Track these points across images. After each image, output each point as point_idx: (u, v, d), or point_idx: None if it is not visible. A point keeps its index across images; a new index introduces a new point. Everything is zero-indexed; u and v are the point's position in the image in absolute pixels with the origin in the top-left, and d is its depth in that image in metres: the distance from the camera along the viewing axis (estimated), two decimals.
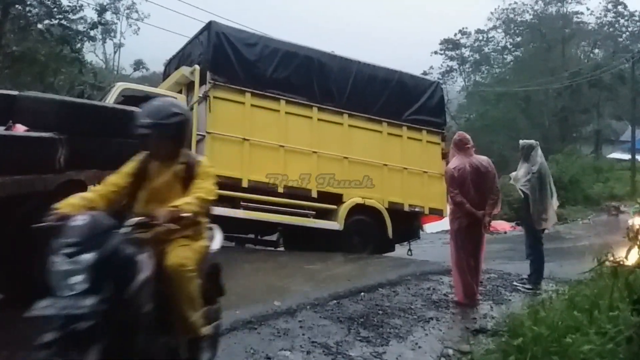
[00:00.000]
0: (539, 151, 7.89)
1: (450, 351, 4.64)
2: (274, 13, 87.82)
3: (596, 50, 52.61)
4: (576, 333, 3.63)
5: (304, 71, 11.18)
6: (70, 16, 22.82)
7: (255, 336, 4.43)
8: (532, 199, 7.65)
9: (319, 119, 11.09)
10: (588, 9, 50.40)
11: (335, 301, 5.79)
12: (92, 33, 25.13)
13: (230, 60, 10.42)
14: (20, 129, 4.35)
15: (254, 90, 10.46)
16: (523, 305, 5.93)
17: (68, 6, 22.57)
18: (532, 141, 8.13)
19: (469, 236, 6.55)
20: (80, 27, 23.47)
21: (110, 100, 9.46)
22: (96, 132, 4.67)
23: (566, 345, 3.49)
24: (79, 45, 23.63)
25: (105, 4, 34.86)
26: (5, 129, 4.33)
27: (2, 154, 3.90)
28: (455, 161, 6.64)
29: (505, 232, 22.11)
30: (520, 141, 8.24)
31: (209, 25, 10.67)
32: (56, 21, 22.14)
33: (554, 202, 7.91)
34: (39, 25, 21.77)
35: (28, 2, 21.28)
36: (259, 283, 6.95)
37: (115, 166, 5.09)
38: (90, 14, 31.85)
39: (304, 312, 5.23)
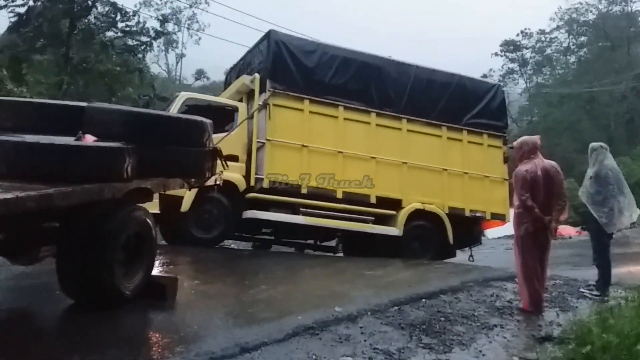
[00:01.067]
0: (602, 153, 7.65)
1: (516, 359, 4.55)
2: (331, 20, 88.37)
3: None
4: None
5: (362, 77, 11.20)
6: (133, 28, 23.49)
7: (317, 342, 4.45)
8: (589, 203, 7.46)
9: (377, 125, 11.09)
10: None
11: (396, 307, 5.75)
12: (154, 44, 25.77)
13: (289, 68, 10.55)
14: (89, 140, 4.50)
15: (313, 97, 10.57)
16: (590, 313, 5.77)
17: (129, 17, 23.31)
18: (596, 144, 7.91)
19: (535, 242, 6.40)
20: (143, 39, 24.09)
21: (174, 109, 9.73)
22: (161, 142, 4.79)
23: (637, 353, 3.39)
24: (141, 55, 24.26)
25: (167, 14, 35.83)
26: (75, 140, 4.49)
27: (72, 164, 4.04)
28: (527, 164, 6.51)
29: (571, 237, 21.54)
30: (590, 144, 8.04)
31: (268, 35, 10.84)
32: (120, 33, 22.85)
33: (627, 206, 7.60)
34: (102, 37, 22.49)
35: (93, 15, 22.03)
36: (319, 288, 6.97)
37: (179, 174, 5.27)
38: (153, 24, 32.82)
39: (364, 318, 5.22)
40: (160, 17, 31.07)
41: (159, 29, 26.40)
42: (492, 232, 14.04)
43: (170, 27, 44.64)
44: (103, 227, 4.44)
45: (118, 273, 4.52)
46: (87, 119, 4.89)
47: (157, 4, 40.05)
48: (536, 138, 6.83)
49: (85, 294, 4.55)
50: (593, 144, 7.91)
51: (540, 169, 6.40)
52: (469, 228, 11.84)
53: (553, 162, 6.66)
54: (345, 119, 10.84)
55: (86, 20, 21.86)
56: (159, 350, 4.01)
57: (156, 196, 6.73)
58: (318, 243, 11.58)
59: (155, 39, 25.67)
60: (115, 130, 4.64)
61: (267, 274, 8.05)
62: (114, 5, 22.24)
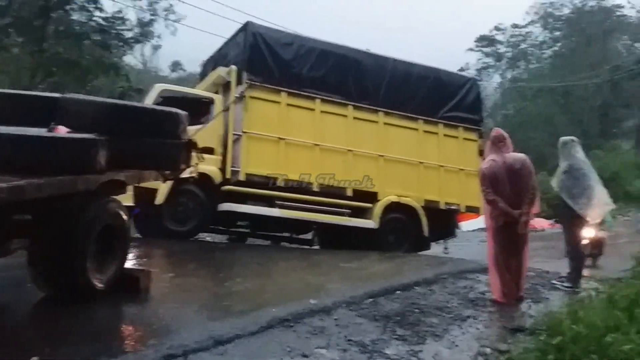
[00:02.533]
0: (574, 147, 7.74)
1: (488, 350, 4.59)
2: (308, 11, 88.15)
3: (637, 44, 51.40)
4: (616, 332, 3.58)
5: (340, 70, 11.21)
6: (111, 21, 23.15)
7: (292, 334, 4.46)
8: (566, 196, 7.56)
9: (354, 118, 11.10)
10: (629, 2, 49.36)
11: (371, 299, 5.78)
12: (131, 40, 25.23)
13: (266, 60, 10.51)
14: (62, 131, 4.44)
15: (290, 90, 10.55)
16: (562, 304, 5.85)
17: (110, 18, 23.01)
18: (567, 138, 7.99)
19: (507, 235, 6.45)
20: (121, 31, 23.74)
21: (149, 101, 9.64)
22: (136, 133, 4.75)
23: (606, 344, 3.45)
24: (116, 50, 23.88)
25: (144, 7, 35.35)
26: (48, 131, 4.43)
27: (45, 156, 3.99)
28: (489, 159, 6.54)
29: (544, 230, 21.80)
30: (560, 139, 8.11)
31: (246, 26, 10.79)
32: (95, 25, 22.48)
33: (599, 200, 7.70)
34: (78, 28, 22.12)
35: (68, 7, 21.64)
36: (294, 281, 6.98)
37: (154, 166, 5.23)
38: (130, 16, 32.41)
39: (339, 311, 5.23)
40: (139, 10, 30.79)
41: (137, 35, 26.16)
42: (467, 225, 14.17)
43: (146, 17, 44.09)
44: (76, 219, 4.40)
45: (91, 266, 4.48)
46: (61, 110, 4.83)
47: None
48: (495, 131, 6.85)
49: (58, 287, 4.50)
50: (564, 138, 7.98)
51: (503, 163, 6.40)
52: (444, 221, 11.93)
53: (522, 155, 6.65)
54: (322, 111, 10.85)
55: (62, 12, 21.48)
56: (132, 343, 3.99)
57: (130, 188, 6.68)
58: (294, 236, 11.60)
59: (132, 45, 25.23)
60: (88, 122, 4.59)
61: (243, 266, 8.05)
62: None
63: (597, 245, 12.22)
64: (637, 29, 50.31)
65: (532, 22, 53.66)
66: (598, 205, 7.60)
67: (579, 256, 7.79)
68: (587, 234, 11.53)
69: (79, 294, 4.50)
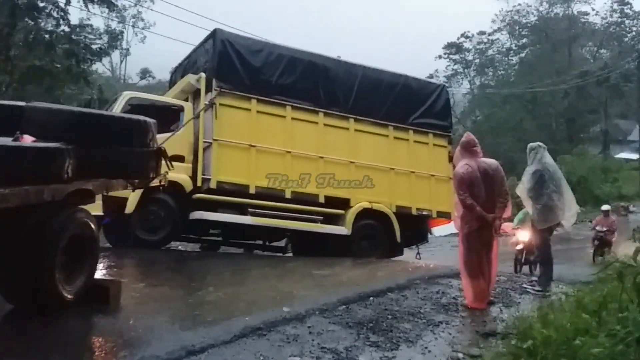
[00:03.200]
0: (542, 152, 7.85)
1: (460, 355, 4.62)
2: (277, 17, 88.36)
3: (602, 51, 52.58)
4: (585, 335, 3.61)
5: (309, 76, 11.21)
6: (78, 31, 22.90)
7: (265, 342, 4.43)
8: (524, 198, 7.68)
9: (325, 124, 11.10)
10: (593, 9, 50.39)
11: (344, 306, 5.78)
12: (99, 51, 24.89)
13: (236, 67, 10.46)
14: (27, 140, 4.37)
15: (260, 97, 10.51)
16: (533, 308, 5.91)
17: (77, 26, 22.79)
18: (535, 143, 8.11)
19: (479, 239, 6.51)
20: (90, 40, 23.54)
21: (117, 109, 9.52)
22: (103, 142, 4.69)
23: (576, 347, 3.47)
24: (83, 57, 23.61)
25: (113, 16, 35.15)
26: (13, 140, 4.35)
27: (10, 165, 3.91)
28: (464, 163, 6.58)
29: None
30: (528, 145, 8.22)
31: (214, 33, 10.73)
32: (63, 33, 22.17)
33: (563, 204, 7.82)
34: (47, 36, 21.81)
35: (36, 15, 21.34)
36: (267, 289, 6.94)
37: (122, 175, 5.16)
38: (98, 23, 32.15)
39: (313, 318, 5.22)
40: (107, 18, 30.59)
41: (105, 44, 25.93)
42: (439, 230, 14.23)
43: (114, 25, 43.77)
44: (43, 229, 4.32)
45: (59, 277, 4.41)
46: (26, 118, 4.74)
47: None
48: (466, 136, 6.91)
49: (25, 298, 4.42)
50: (532, 144, 8.10)
51: (478, 168, 6.48)
52: (416, 226, 11.99)
53: (493, 161, 6.78)
54: (293, 118, 10.82)
55: (29, 22, 21.15)
56: (103, 355, 3.93)
57: (99, 197, 6.58)
58: (267, 243, 11.55)
59: (101, 56, 24.95)
60: (55, 130, 4.51)
61: (215, 275, 7.99)
62: (55, 3, 21.61)
63: (531, 251, 11.06)
64: (602, 36, 51.38)
65: (498, 30, 54.41)
66: (553, 212, 7.69)
67: (549, 260, 7.88)
68: (522, 237, 11.64)
69: (47, 306, 4.42)
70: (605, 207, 17.46)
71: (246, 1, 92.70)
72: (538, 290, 7.61)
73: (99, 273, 5.61)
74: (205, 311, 5.30)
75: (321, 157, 10.91)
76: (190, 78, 10.64)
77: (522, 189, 7.82)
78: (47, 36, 21.31)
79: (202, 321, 4.85)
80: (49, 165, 4.12)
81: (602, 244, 15.31)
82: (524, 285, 7.99)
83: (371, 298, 6.29)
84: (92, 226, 4.91)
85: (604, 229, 15.66)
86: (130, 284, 6.10)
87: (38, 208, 4.16)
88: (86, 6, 22.34)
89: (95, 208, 6.82)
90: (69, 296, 4.54)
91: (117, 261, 7.89)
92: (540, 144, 8.07)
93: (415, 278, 7.85)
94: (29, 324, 4.29)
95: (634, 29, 51.06)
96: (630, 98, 43.11)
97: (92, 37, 25.13)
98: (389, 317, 5.57)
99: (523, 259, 12.27)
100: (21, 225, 4.26)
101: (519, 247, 12.12)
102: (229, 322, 4.77)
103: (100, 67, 35.98)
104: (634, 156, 37.71)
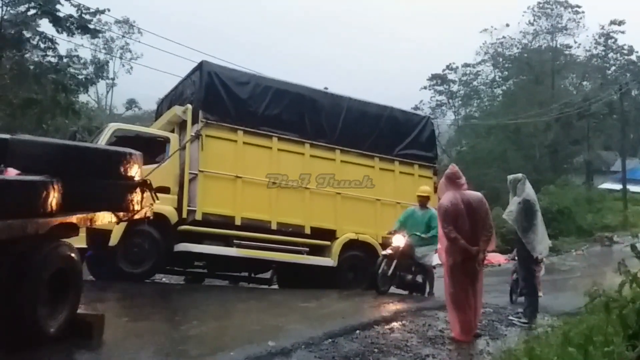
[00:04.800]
0: (526, 183, 7.93)
1: None
2: (266, 53, 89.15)
3: (585, 83, 53.30)
4: None
5: (296, 108, 11.28)
6: (65, 61, 22.92)
7: None
8: (519, 230, 7.71)
9: (311, 155, 11.13)
10: (575, 42, 51.25)
11: (330, 340, 5.73)
12: (85, 81, 24.82)
13: (222, 99, 10.51)
14: (11, 173, 4.35)
15: (246, 128, 10.54)
16: (519, 341, 5.89)
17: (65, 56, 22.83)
18: (519, 174, 8.19)
19: (465, 271, 6.51)
20: (76, 71, 23.53)
21: (102, 141, 9.50)
22: (88, 174, 4.67)
23: None
24: (69, 88, 23.59)
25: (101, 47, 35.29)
26: None
27: None
28: (449, 196, 6.60)
29: (500, 265, 22.03)
30: (508, 176, 8.29)
31: (201, 65, 10.80)
32: (49, 65, 22.17)
33: (544, 235, 7.90)
34: (32, 68, 21.79)
35: (23, 46, 21.35)
36: (252, 323, 6.87)
37: (107, 207, 5.12)
38: (85, 54, 32.22)
39: (298, 352, 5.17)
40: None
41: (91, 74, 25.98)
42: None
43: (101, 56, 43.89)
44: (26, 264, 4.27)
45: (42, 311, 4.35)
46: (11, 151, 4.72)
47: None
48: (451, 168, 6.95)
49: (7, 333, 4.34)
50: (515, 175, 8.19)
51: (462, 201, 6.51)
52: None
53: (477, 194, 6.83)
54: (279, 149, 10.85)
55: (14, 52, 21.15)
56: None
57: (83, 230, 6.53)
58: (252, 275, 11.48)
59: (87, 87, 24.96)
60: (39, 163, 4.50)
61: (200, 309, 7.90)
62: (42, 34, 21.67)
63: (403, 261, 9.76)
64: (585, 68, 52.17)
65: (482, 62, 55.10)
66: (540, 243, 7.76)
67: (534, 291, 7.89)
68: (396, 242, 9.73)
69: (29, 341, 4.34)
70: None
71: (236, 38, 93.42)
72: (524, 323, 7.59)
73: (82, 307, 5.53)
74: (190, 346, 5.23)
75: (307, 188, 10.92)
76: (177, 109, 10.66)
77: (515, 220, 7.82)
78: (31, 67, 21.30)
79: (187, 356, 4.80)
80: (33, 198, 4.09)
81: None
82: (510, 317, 7.97)
83: (357, 331, 6.24)
84: (76, 260, 4.86)
85: None
86: (114, 318, 6.01)
87: (21, 241, 4.12)
88: (65, 33, 22.29)
89: (79, 240, 6.75)
90: (52, 330, 4.47)
91: (101, 294, 7.78)
92: (522, 175, 8.16)
93: (401, 310, 7.84)
94: (10, 359, 4.20)
95: (617, 61, 52.01)
96: (612, 130, 43.73)
97: (78, 66, 25.03)
98: (375, 350, 5.52)
99: (389, 270, 9.55)
100: (3, 259, 4.20)
101: (387, 251, 9.73)
102: (214, 357, 4.72)
103: (86, 98, 35.95)
104: (617, 187, 38.01)
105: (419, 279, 10.30)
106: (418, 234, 9.99)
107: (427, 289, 10.33)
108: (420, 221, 10.15)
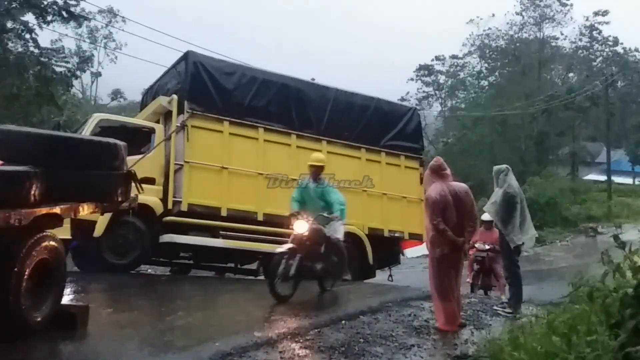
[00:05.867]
0: (510, 174, 7.96)
1: None
2: (251, 44, 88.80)
3: (571, 74, 53.55)
4: (555, 358, 3.64)
5: (282, 99, 11.24)
6: (48, 54, 22.67)
7: None
8: (497, 220, 7.76)
9: (297, 146, 11.11)
10: (562, 34, 51.41)
11: (316, 330, 5.74)
12: (69, 75, 24.52)
13: (208, 89, 10.45)
14: None
15: (232, 119, 10.48)
16: (503, 331, 5.94)
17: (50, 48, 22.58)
18: (503, 166, 8.21)
19: (450, 262, 6.53)
20: (59, 62, 23.27)
21: (87, 131, 9.42)
22: (72, 165, 4.63)
23: None
24: (53, 81, 23.33)
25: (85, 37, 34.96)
26: None
27: None
28: (437, 187, 6.59)
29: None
30: (494, 167, 8.31)
31: (186, 55, 10.73)
32: (32, 57, 21.91)
33: (528, 225, 7.94)
34: (13, 59, 21.52)
35: (4, 36, 21.08)
36: (238, 313, 6.87)
37: (91, 198, 5.08)
38: (69, 44, 31.89)
39: (284, 343, 5.17)
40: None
41: (75, 66, 25.74)
42: (411, 252, 14.29)
43: (85, 46, 43.51)
44: (9, 255, 4.23)
45: (25, 302, 4.32)
46: None
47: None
48: (436, 160, 6.96)
49: None
50: (500, 166, 8.20)
51: (450, 192, 6.52)
52: (388, 248, 12.01)
53: (463, 185, 6.84)
54: (265, 140, 10.82)
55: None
56: None
57: (67, 221, 6.48)
58: (239, 266, 11.43)
59: (71, 80, 24.69)
60: (22, 154, 4.45)
61: (185, 299, 7.89)
62: (24, 24, 21.39)
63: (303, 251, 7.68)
64: (571, 60, 52.40)
65: (469, 53, 55.18)
66: (522, 232, 7.80)
67: (518, 281, 7.93)
68: (298, 228, 7.75)
69: (13, 332, 4.32)
70: (485, 216, 10.29)
71: (222, 28, 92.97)
72: (509, 312, 7.64)
73: (67, 298, 5.50)
74: (175, 337, 5.22)
75: (294, 179, 10.88)
76: (162, 100, 10.59)
77: (492, 209, 7.90)
78: (12, 58, 21.04)
79: (172, 347, 4.79)
80: (15, 189, 4.05)
81: (483, 270, 11.37)
82: (495, 307, 8.02)
83: (343, 321, 6.26)
84: (60, 251, 4.83)
85: (486, 247, 11.07)
86: (99, 309, 5.98)
87: (4, 232, 4.08)
88: (50, 22, 22.04)
89: (63, 231, 6.70)
90: (36, 321, 4.44)
91: (85, 286, 7.75)
92: (507, 166, 8.18)
93: (387, 300, 7.86)
94: None
95: (602, 53, 52.28)
96: (597, 121, 44.01)
97: (62, 56, 24.71)
98: (361, 340, 5.54)
99: (291, 270, 7.30)
100: None
101: (285, 246, 7.64)
102: (199, 347, 4.71)
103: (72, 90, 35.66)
104: (602, 178, 38.34)
105: (334, 259, 8.39)
106: (326, 214, 8.13)
107: (343, 271, 9.04)
108: (313, 196, 8.52)
